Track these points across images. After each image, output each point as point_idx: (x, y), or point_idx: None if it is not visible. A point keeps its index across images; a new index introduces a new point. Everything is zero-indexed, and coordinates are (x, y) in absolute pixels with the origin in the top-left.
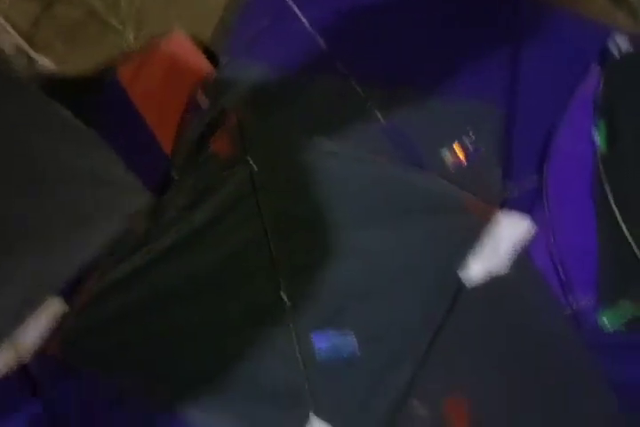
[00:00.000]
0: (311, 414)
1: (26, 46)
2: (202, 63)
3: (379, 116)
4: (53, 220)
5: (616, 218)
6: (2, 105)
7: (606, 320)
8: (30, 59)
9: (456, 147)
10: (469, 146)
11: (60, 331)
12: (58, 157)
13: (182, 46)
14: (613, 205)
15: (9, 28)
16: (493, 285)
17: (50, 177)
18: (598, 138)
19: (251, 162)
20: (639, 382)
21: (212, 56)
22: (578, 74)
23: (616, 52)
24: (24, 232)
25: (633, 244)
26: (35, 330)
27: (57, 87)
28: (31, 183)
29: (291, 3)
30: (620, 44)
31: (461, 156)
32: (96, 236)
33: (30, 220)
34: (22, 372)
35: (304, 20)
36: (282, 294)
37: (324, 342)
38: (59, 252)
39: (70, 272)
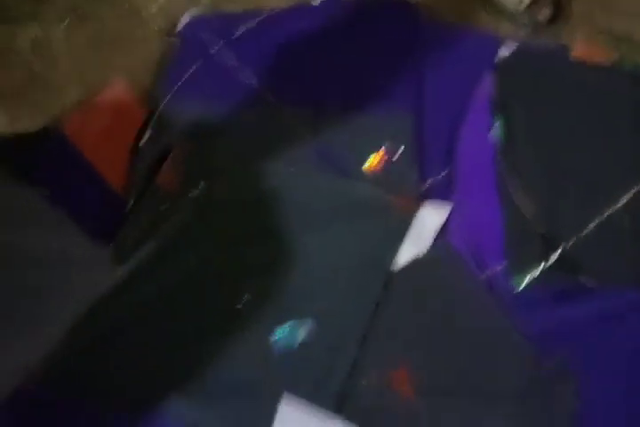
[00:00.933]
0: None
1: None
2: (141, 108)
3: (307, 136)
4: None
5: (514, 197)
6: None
7: (515, 281)
8: None
9: (376, 155)
10: (388, 153)
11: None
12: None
13: (122, 93)
14: (510, 184)
15: None
16: (416, 265)
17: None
18: (496, 130)
19: (194, 191)
20: (545, 328)
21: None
22: (475, 81)
23: (502, 60)
24: None
25: (530, 216)
26: None
27: (8, 145)
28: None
29: (215, 48)
30: (505, 53)
31: (381, 162)
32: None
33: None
34: None
35: (230, 60)
36: (243, 298)
37: (281, 335)
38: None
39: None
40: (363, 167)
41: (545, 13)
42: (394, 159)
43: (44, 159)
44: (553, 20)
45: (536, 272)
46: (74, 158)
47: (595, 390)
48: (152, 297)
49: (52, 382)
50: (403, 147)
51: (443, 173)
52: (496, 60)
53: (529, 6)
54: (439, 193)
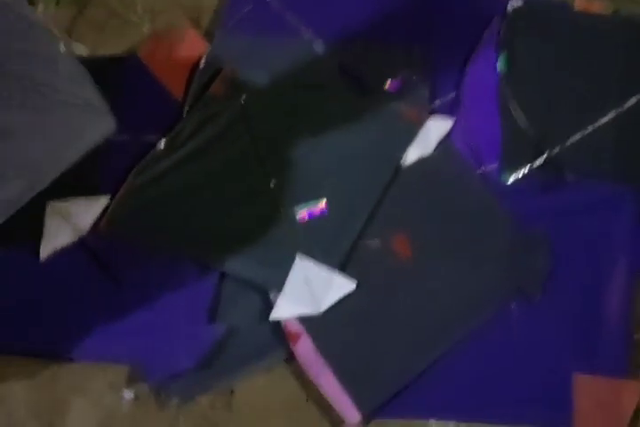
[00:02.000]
0: (298, 254)
1: (66, 37)
2: (200, 39)
3: (336, 62)
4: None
5: (512, 113)
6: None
7: (505, 177)
8: (69, 46)
9: (394, 79)
10: (405, 76)
11: (106, 214)
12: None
13: (186, 28)
14: (511, 104)
15: (53, 27)
16: (423, 161)
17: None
18: (500, 64)
19: (241, 97)
20: (527, 213)
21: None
22: (486, 24)
23: (511, 9)
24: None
25: (525, 128)
26: (89, 216)
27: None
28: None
29: None
30: (516, 4)
31: (397, 83)
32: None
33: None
34: (81, 244)
35: (276, 3)
36: (270, 183)
37: (302, 208)
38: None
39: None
40: (386, 84)
41: None
42: (409, 82)
43: (121, 76)
44: None
45: (525, 171)
46: (145, 75)
47: (563, 259)
48: (207, 170)
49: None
50: (417, 72)
51: (450, 95)
52: (507, 8)
53: None
54: (446, 110)
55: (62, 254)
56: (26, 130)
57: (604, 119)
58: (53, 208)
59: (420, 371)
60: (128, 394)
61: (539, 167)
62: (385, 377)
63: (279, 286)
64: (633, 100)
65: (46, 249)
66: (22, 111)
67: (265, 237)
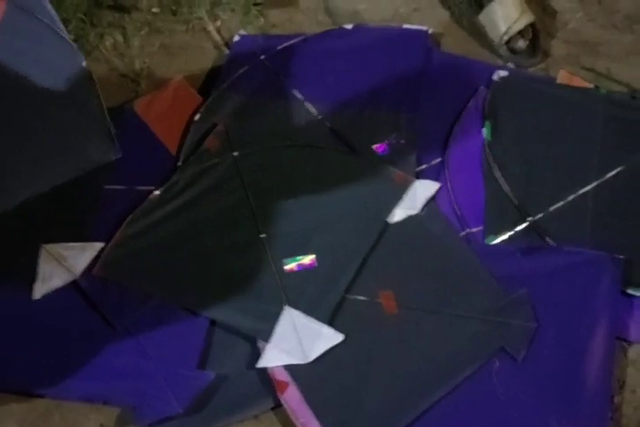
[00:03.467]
0: (285, 306)
1: None
2: (197, 96)
3: (327, 124)
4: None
5: (497, 179)
6: None
7: (488, 240)
8: None
9: (383, 143)
10: (393, 141)
11: (100, 258)
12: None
13: (182, 85)
14: (495, 171)
15: None
16: (409, 220)
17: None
18: (485, 131)
19: (234, 152)
20: (509, 273)
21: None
22: (471, 94)
23: (497, 78)
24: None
25: (509, 194)
26: (83, 260)
27: None
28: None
29: (261, 57)
30: (501, 74)
31: (387, 148)
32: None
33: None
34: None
35: (270, 67)
36: (261, 235)
37: (290, 263)
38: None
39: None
40: (374, 148)
41: (521, 45)
42: (397, 147)
43: (118, 128)
44: (532, 52)
45: (508, 234)
46: (141, 128)
47: (545, 320)
48: (199, 221)
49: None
50: (405, 138)
51: (436, 161)
52: (492, 78)
53: (508, 41)
54: (431, 176)
55: (55, 296)
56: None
57: (585, 189)
58: (48, 251)
59: (405, 424)
60: None
61: (521, 231)
62: None
63: (266, 336)
64: (612, 173)
65: (40, 290)
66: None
67: (253, 287)
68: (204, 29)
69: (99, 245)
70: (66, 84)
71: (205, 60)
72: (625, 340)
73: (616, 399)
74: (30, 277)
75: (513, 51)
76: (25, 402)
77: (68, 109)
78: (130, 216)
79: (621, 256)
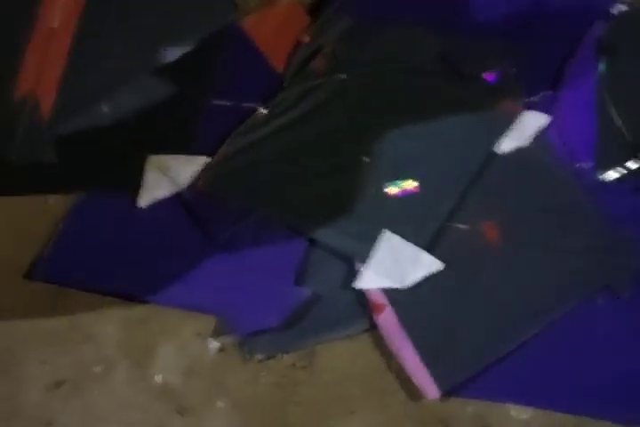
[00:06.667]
0: (385, 229)
1: None
2: (306, 17)
3: (438, 50)
4: None
5: (611, 115)
6: None
7: (601, 175)
8: None
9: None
10: (503, 70)
11: (205, 172)
12: None
13: (293, 4)
14: (609, 107)
15: None
16: (517, 151)
17: None
18: (601, 66)
19: (341, 74)
20: (618, 211)
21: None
22: (583, 26)
23: (616, 12)
24: None
25: (623, 130)
26: (187, 173)
27: None
28: None
29: None
30: (621, 8)
31: (495, 75)
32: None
33: None
34: (178, 198)
35: None
36: (363, 159)
37: (391, 186)
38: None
39: None
40: (483, 75)
41: None
42: (507, 76)
43: (225, 45)
44: None
45: (619, 171)
46: (248, 46)
47: None
48: (303, 140)
49: None
50: (515, 69)
51: (546, 93)
52: (612, 11)
53: None
54: (541, 108)
55: (159, 206)
56: None
57: None
58: (153, 161)
59: (500, 355)
60: (213, 344)
61: (634, 170)
62: (465, 357)
63: (364, 257)
64: None
65: (144, 199)
66: None
67: (354, 209)
68: None
69: (202, 159)
70: None
71: None
72: None
73: None
74: (136, 186)
75: None
76: (124, 307)
77: None
78: (233, 133)
79: None
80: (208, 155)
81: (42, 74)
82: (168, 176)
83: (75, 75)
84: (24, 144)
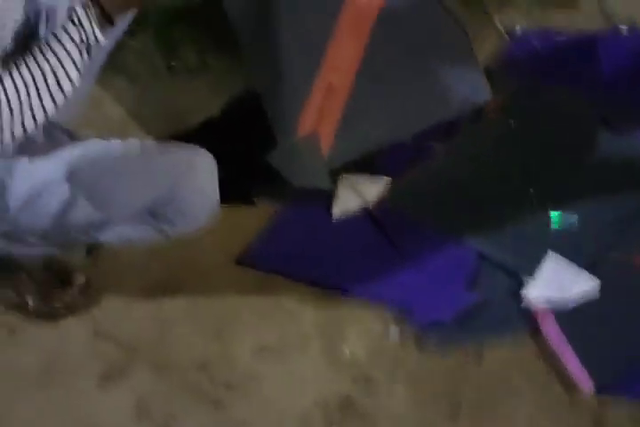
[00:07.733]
0: (549, 250)
1: None
2: None
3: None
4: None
5: None
6: None
7: None
8: None
9: None
10: None
11: (391, 192)
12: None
13: None
14: None
15: None
16: None
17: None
18: None
19: (511, 120)
20: None
21: None
22: None
23: None
24: None
25: None
26: (373, 191)
27: None
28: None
29: None
30: None
31: None
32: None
33: None
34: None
35: None
36: (530, 189)
37: (553, 216)
38: None
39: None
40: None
41: None
42: None
43: None
44: None
45: None
46: None
47: None
48: (477, 171)
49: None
50: None
51: None
52: None
53: None
54: None
55: (351, 217)
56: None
57: None
58: (345, 180)
59: None
60: (394, 330)
61: None
62: (621, 364)
63: (529, 272)
64: None
65: (337, 211)
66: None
67: (520, 231)
68: (490, 20)
69: (386, 180)
70: None
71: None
72: None
73: None
74: (330, 200)
75: None
76: (320, 295)
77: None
78: (416, 162)
79: None
80: (391, 176)
81: (322, 119)
82: (357, 193)
83: (348, 126)
84: (305, 171)
